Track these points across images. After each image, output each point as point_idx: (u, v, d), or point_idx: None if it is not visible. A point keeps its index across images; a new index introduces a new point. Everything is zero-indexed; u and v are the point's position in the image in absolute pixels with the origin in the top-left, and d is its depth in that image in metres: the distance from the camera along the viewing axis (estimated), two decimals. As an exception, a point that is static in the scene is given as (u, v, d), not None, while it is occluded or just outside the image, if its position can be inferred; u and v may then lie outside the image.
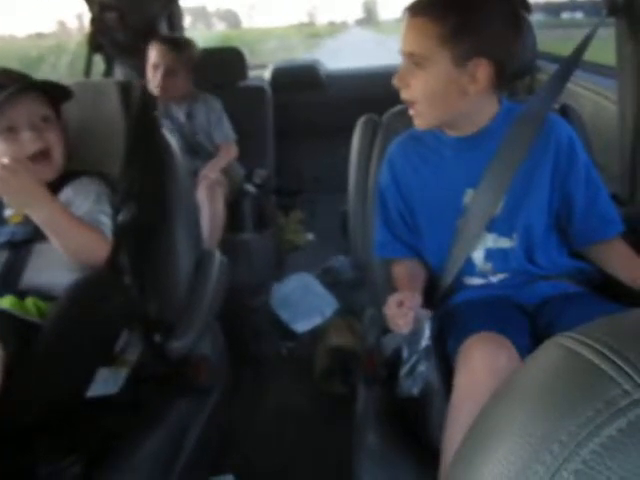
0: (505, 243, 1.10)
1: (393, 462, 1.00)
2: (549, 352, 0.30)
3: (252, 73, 2.72)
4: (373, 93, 2.55)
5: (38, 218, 1.05)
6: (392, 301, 0.97)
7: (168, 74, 2.05)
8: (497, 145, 1.07)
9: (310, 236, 2.60)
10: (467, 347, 0.91)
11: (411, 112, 1.08)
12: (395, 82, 1.04)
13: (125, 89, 1.35)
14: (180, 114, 2.13)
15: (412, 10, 1.00)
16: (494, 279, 1.12)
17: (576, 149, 1.08)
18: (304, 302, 1.99)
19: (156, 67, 2.06)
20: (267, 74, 2.87)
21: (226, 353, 1.52)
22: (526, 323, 1.03)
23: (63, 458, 0.95)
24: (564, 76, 1.15)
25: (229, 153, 2.13)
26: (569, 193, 1.08)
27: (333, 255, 2.24)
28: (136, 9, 2.36)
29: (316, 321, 1.93)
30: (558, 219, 1.11)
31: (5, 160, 1.02)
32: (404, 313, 0.95)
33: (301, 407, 1.66)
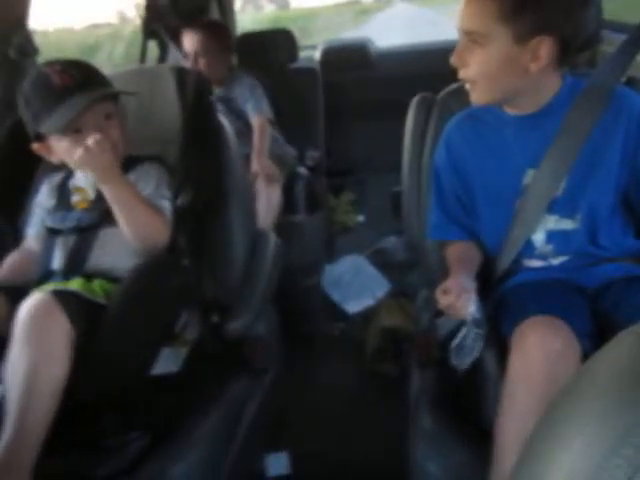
0: (567, 225, 1.06)
1: (448, 444, 1.00)
2: (627, 342, 0.29)
3: (302, 54, 2.71)
4: (424, 70, 2.50)
5: (112, 196, 1.09)
6: (438, 292, 0.96)
7: (202, 59, 2.06)
8: (560, 123, 1.03)
9: (361, 217, 2.59)
10: (522, 330, 0.89)
11: (467, 87, 1.05)
12: (453, 61, 1.01)
13: (180, 74, 1.37)
14: (218, 100, 2.12)
15: None
16: (555, 261, 1.08)
17: None
18: (356, 283, 2.00)
19: (188, 54, 2.07)
20: (317, 54, 2.85)
21: (280, 333, 1.54)
22: (586, 307, 1.00)
23: (128, 433, 0.99)
24: (633, 47, 1.08)
25: (263, 131, 2.04)
26: (638, 171, 1.03)
27: (384, 236, 2.23)
28: (188, -6, 2.39)
29: (368, 302, 1.93)
30: (626, 197, 1.07)
31: (98, 136, 1.06)
32: (453, 302, 0.94)
33: (353, 387, 1.67)
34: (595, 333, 0.94)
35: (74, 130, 1.13)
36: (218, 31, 2.14)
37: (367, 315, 1.87)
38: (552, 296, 1.00)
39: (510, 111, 1.08)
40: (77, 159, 1.06)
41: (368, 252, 2.16)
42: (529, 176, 1.06)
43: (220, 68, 2.11)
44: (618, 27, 1.99)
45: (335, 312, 1.96)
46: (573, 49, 0.99)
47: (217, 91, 2.11)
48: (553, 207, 1.05)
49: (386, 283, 1.99)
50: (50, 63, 1.15)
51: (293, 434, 1.51)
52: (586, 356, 0.88)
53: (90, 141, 1.05)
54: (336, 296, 1.97)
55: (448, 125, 1.19)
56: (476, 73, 1.00)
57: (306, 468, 1.42)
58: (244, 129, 2.08)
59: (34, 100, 1.13)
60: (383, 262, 2.08)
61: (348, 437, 1.49)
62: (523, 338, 0.88)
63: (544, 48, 0.94)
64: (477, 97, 1.04)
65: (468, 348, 0.97)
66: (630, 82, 1.20)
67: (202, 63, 2.06)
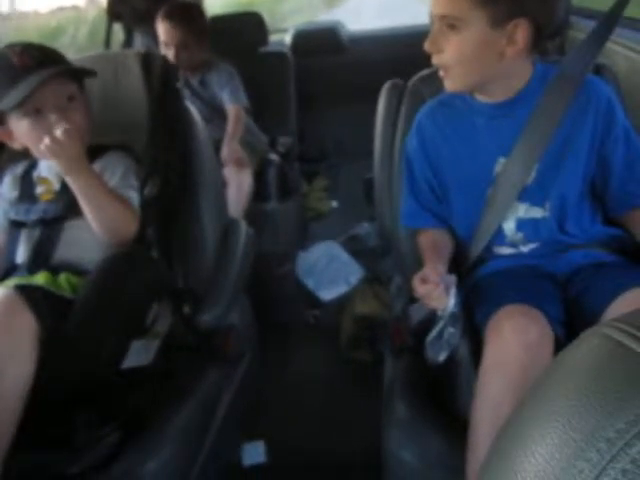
0: (537, 213, 1.07)
1: (422, 431, 1.01)
2: (594, 343, 0.29)
3: (272, 38, 2.67)
4: (397, 55, 2.49)
5: (79, 187, 1.06)
6: (416, 280, 0.95)
7: (180, 49, 2.01)
8: (530, 111, 1.03)
9: (334, 203, 2.58)
10: (497, 319, 0.90)
11: (441, 74, 1.04)
12: (427, 46, 1.00)
13: (146, 60, 1.33)
14: (195, 83, 2.10)
15: None
16: (525, 249, 1.09)
17: (615, 110, 1.03)
18: (330, 270, 1.99)
19: (167, 44, 2.02)
20: (288, 38, 2.81)
21: (253, 322, 1.54)
22: (557, 293, 1.02)
23: (99, 429, 0.98)
24: (603, 34, 1.09)
25: (238, 119, 2.03)
26: (606, 156, 1.04)
27: (357, 222, 2.23)
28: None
29: (342, 289, 1.93)
30: (593, 185, 1.08)
31: (66, 125, 1.03)
32: (430, 291, 0.93)
33: (328, 375, 1.68)
34: (565, 319, 0.95)
35: (34, 110, 1.10)
36: (194, 19, 2.07)
37: (341, 302, 1.87)
38: (525, 284, 1.00)
39: (481, 99, 1.08)
40: (43, 148, 1.02)
41: (342, 239, 2.16)
42: (500, 164, 1.06)
43: (197, 56, 2.07)
44: (587, 13, 2.01)
45: (309, 299, 1.96)
46: (545, 35, 0.99)
47: (194, 77, 2.09)
48: (523, 195, 1.06)
49: (360, 269, 1.99)
50: (10, 45, 1.12)
51: (269, 423, 1.52)
52: (558, 342, 0.89)
53: (58, 131, 1.02)
54: (310, 283, 1.96)
55: (420, 112, 1.18)
56: (451, 59, 0.99)
57: (282, 456, 1.42)
58: (215, 115, 2.05)
59: None
60: (357, 249, 2.08)
61: (324, 425, 1.50)
62: (498, 327, 0.89)
63: (520, 32, 0.94)
64: (451, 84, 1.03)
65: (444, 342, 0.97)
66: (599, 70, 1.21)
67: (180, 53, 2.02)
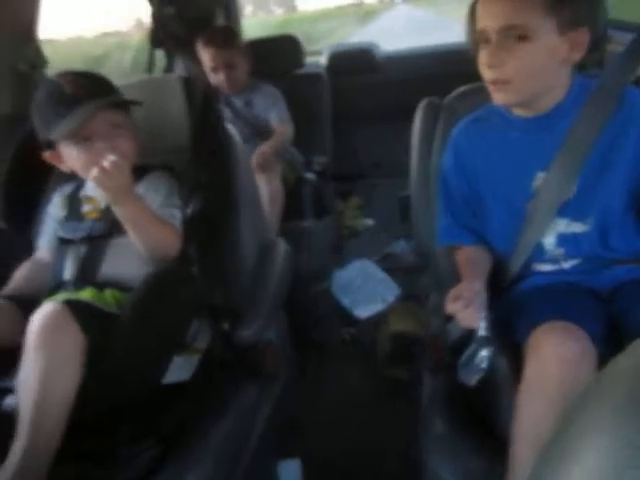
0: (578, 228, 1.05)
1: (461, 450, 0.99)
2: (637, 354, 0.29)
3: (308, 59, 2.72)
4: (430, 74, 2.49)
5: (123, 214, 1.10)
6: (450, 296, 0.95)
7: (229, 71, 2.09)
8: (569, 125, 1.02)
9: (369, 221, 2.59)
10: (537, 336, 0.89)
11: (492, 88, 1.02)
12: (488, 61, 0.98)
13: (187, 84, 1.38)
14: (240, 103, 2.16)
15: None
16: (566, 265, 1.08)
17: None
18: (365, 288, 1.99)
19: (215, 69, 2.10)
20: (323, 59, 2.86)
21: (290, 339, 1.54)
22: (600, 310, 0.99)
23: (141, 442, 1.00)
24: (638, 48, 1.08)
25: (282, 133, 2.11)
26: None
27: (393, 240, 2.23)
28: (192, 2, 2.40)
29: (378, 307, 1.93)
30: (637, 199, 1.05)
31: (113, 157, 1.06)
32: (463, 309, 0.93)
33: (364, 392, 1.67)
34: (609, 336, 0.93)
35: (83, 138, 1.15)
36: (236, 40, 2.16)
37: (377, 320, 1.86)
38: (565, 300, 0.99)
39: (518, 113, 1.07)
40: (92, 178, 1.06)
41: (377, 257, 2.16)
42: (539, 179, 1.05)
43: (240, 77, 2.14)
44: (624, 26, 1.98)
45: (345, 317, 1.95)
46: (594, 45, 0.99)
47: (238, 98, 2.16)
48: (564, 210, 1.05)
49: (396, 287, 1.98)
50: (62, 73, 1.18)
51: (305, 440, 1.51)
52: (602, 359, 0.87)
53: (106, 162, 1.05)
54: (346, 301, 1.96)
55: (455, 129, 1.18)
56: (515, 71, 0.97)
57: (319, 475, 1.41)
58: (256, 135, 2.11)
59: (46, 108, 1.15)
60: (393, 266, 2.08)
61: (361, 443, 1.49)
62: (538, 344, 0.88)
63: (583, 38, 0.95)
64: (506, 98, 1.02)
65: (475, 366, 0.96)
66: (638, 82, 1.19)
67: (229, 75, 2.10)
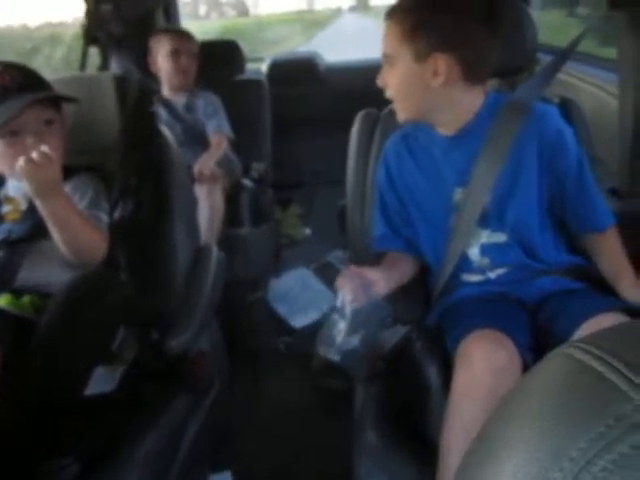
0: (500, 238, 1.10)
1: (393, 460, 0.99)
2: (557, 363, 0.29)
3: (249, 66, 2.70)
4: (372, 86, 2.52)
5: (49, 209, 1.04)
6: (342, 274, 1.00)
7: (190, 59, 2.12)
8: (482, 141, 1.06)
9: (308, 230, 2.59)
10: (466, 345, 0.91)
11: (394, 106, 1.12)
12: (378, 82, 1.09)
13: (121, 83, 1.33)
14: (179, 106, 2.12)
15: (386, 14, 1.06)
16: (492, 275, 1.11)
17: (565, 141, 1.07)
18: (302, 297, 1.98)
19: (176, 52, 2.09)
20: (264, 67, 2.85)
21: (224, 348, 1.51)
22: (526, 319, 1.03)
23: (61, 457, 0.94)
24: (556, 67, 1.14)
25: (220, 146, 2.09)
26: (557, 185, 1.08)
27: (331, 250, 2.23)
28: (132, 1, 2.33)
29: (314, 316, 1.92)
30: (552, 211, 1.11)
31: (45, 148, 1.01)
32: (347, 283, 0.97)
33: (300, 403, 1.65)
34: (535, 346, 0.96)
35: (11, 132, 1.09)
36: (192, 37, 2.20)
37: (313, 330, 1.86)
38: (494, 310, 1.02)
39: (438, 130, 1.12)
40: (19, 169, 1.00)
41: (315, 266, 2.16)
42: (458, 194, 1.10)
43: (193, 73, 2.15)
44: (552, 50, 2.09)
45: (281, 326, 1.94)
46: (478, 69, 1.04)
47: (178, 99, 2.13)
48: (484, 222, 1.09)
49: (332, 297, 1.98)
50: None
51: (237, 453, 1.48)
52: (527, 368, 0.89)
53: (34, 153, 1.00)
54: (282, 310, 1.95)
55: (386, 143, 1.21)
56: (392, 93, 1.08)
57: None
58: (192, 141, 2.07)
59: None
60: (329, 276, 2.08)
61: (297, 455, 1.47)
62: (467, 352, 0.90)
63: (441, 65, 1.01)
64: (399, 116, 1.12)
65: (330, 335, 0.98)
66: (564, 103, 1.25)
67: (184, 62, 2.10)
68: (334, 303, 1.91)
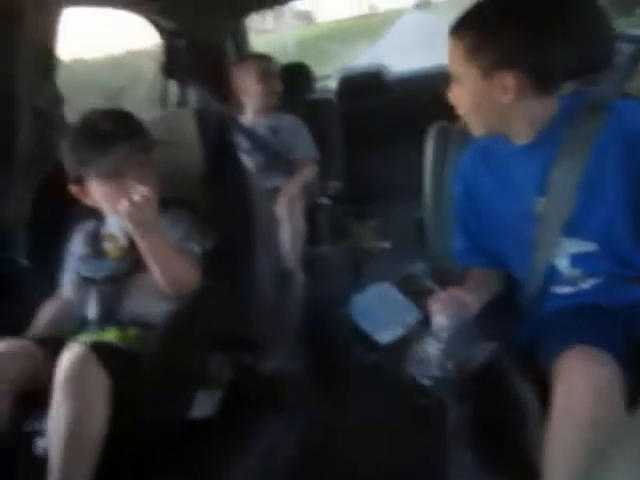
0: (589, 247, 1.05)
1: (489, 479, 0.97)
2: None
3: (318, 85, 2.75)
4: (440, 92, 2.48)
5: (147, 248, 1.11)
6: (433, 297, 1.02)
7: (278, 81, 2.22)
8: (559, 148, 1.03)
9: (386, 244, 2.57)
10: (563, 362, 0.87)
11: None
12: (449, 99, 1.08)
13: (200, 116, 1.40)
14: (264, 129, 2.20)
15: (449, 31, 1.05)
16: (585, 285, 1.07)
17: None
18: (385, 312, 1.97)
19: (266, 75, 2.18)
20: (333, 84, 2.88)
21: (312, 368, 1.54)
22: (620, 332, 0.98)
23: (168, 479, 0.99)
24: (633, 60, 1.08)
25: (309, 171, 2.17)
26: None
27: (411, 262, 2.21)
28: (203, 33, 2.45)
29: (399, 331, 1.90)
30: None
31: (143, 189, 1.09)
32: (440, 306, 0.98)
33: (391, 420, 1.64)
34: (629, 359, 0.91)
35: (116, 175, 1.17)
36: (274, 60, 2.30)
37: (400, 344, 1.84)
38: (589, 324, 0.98)
39: (513, 141, 1.09)
40: (122, 211, 1.08)
41: (396, 279, 2.15)
42: (540, 204, 1.06)
43: (279, 94, 2.24)
44: (634, 39, 1.97)
45: (367, 343, 1.93)
46: (549, 78, 1.01)
47: (263, 122, 2.21)
48: (571, 231, 1.05)
49: (416, 310, 1.96)
50: (96, 111, 1.22)
51: (329, 470, 1.49)
52: (624, 384, 0.85)
53: (136, 195, 1.07)
54: (366, 326, 1.94)
55: (462, 157, 1.20)
56: (463, 110, 1.07)
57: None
58: (274, 164, 2.13)
59: (80, 144, 1.18)
60: (411, 289, 2.06)
61: (386, 471, 1.47)
62: (566, 371, 0.86)
63: (509, 81, 0.98)
64: (474, 132, 1.10)
65: (424, 359, 0.97)
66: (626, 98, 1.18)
67: (274, 84, 2.21)
68: (419, 317, 1.91)
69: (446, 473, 1.05)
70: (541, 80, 1.00)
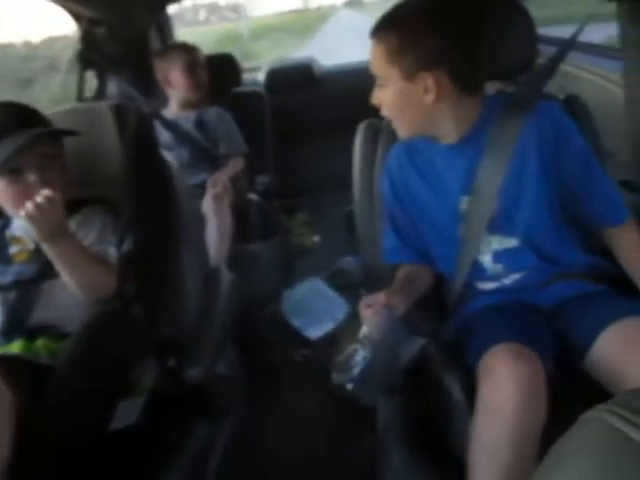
0: (511, 243, 1.08)
1: (417, 478, 0.98)
2: (594, 430, 0.28)
3: (246, 76, 2.69)
4: (370, 89, 2.50)
5: (56, 252, 1.04)
6: (362, 303, 1.00)
7: (204, 72, 2.13)
8: (484, 147, 1.04)
9: (317, 238, 2.57)
10: (489, 359, 0.89)
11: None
12: (373, 101, 1.07)
13: (119, 111, 1.33)
14: (189, 123, 2.12)
15: (370, 33, 1.04)
16: (507, 281, 1.09)
17: (567, 134, 1.05)
18: (315, 307, 1.97)
19: (192, 67, 2.10)
20: (261, 76, 2.83)
21: (241, 367, 1.50)
22: (545, 327, 1.01)
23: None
24: (557, 60, 1.11)
25: (236, 165, 2.12)
26: (564, 180, 1.05)
27: (341, 256, 2.21)
28: (125, 22, 2.33)
29: (329, 326, 1.90)
30: (565, 209, 1.08)
31: (47, 192, 1.01)
32: (368, 316, 0.98)
33: (321, 415, 1.64)
34: (554, 354, 0.94)
35: (13, 170, 1.09)
36: (200, 50, 2.20)
37: (329, 340, 1.84)
38: (514, 321, 1.00)
39: (440, 141, 1.10)
40: (25, 214, 1.01)
41: (326, 274, 2.14)
42: (464, 202, 1.08)
43: (206, 86, 2.16)
44: (555, 41, 2.05)
45: (297, 339, 1.92)
46: (471, 79, 1.02)
47: (191, 115, 2.13)
48: (493, 228, 1.07)
49: (345, 305, 1.97)
50: None
51: (259, 467, 1.47)
52: (548, 378, 0.87)
53: (39, 197, 1.00)
54: (297, 322, 1.93)
55: (388, 156, 1.20)
56: (387, 112, 1.07)
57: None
58: (199, 159, 2.07)
59: None
60: (341, 283, 2.06)
61: (319, 467, 1.46)
62: (491, 368, 0.88)
63: (430, 83, 0.99)
64: (399, 133, 1.10)
65: (350, 367, 0.97)
66: (569, 101, 1.23)
67: (200, 76, 2.12)
68: (348, 311, 1.92)
69: (377, 469, 1.05)
70: (463, 81, 1.01)
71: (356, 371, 0.95)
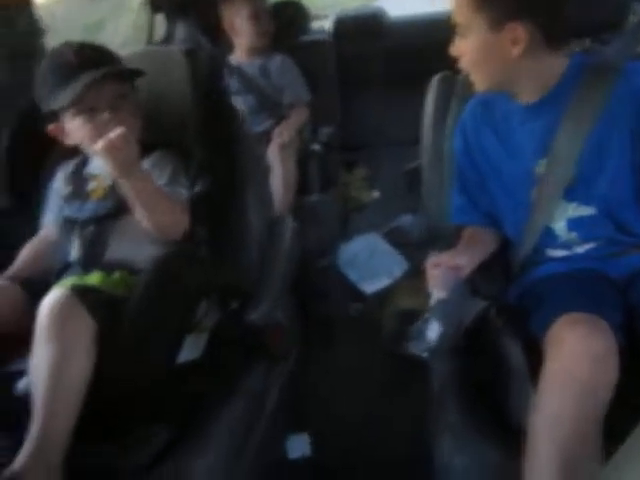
0: (587, 211, 1.03)
1: (475, 441, 0.97)
2: None
3: (314, 24, 2.64)
4: (439, 40, 2.39)
5: (129, 188, 1.07)
6: (429, 262, 1.00)
7: (269, 20, 2.13)
8: (564, 108, 1.00)
9: (376, 193, 2.54)
10: (558, 329, 0.85)
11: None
12: (452, 52, 1.04)
13: (191, 56, 1.33)
14: (254, 70, 2.11)
15: None
16: (580, 249, 1.06)
17: None
18: (372, 262, 1.97)
19: (256, 14, 2.09)
20: (328, 24, 2.76)
21: (299, 317, 1.53)
22: (617, 298, 0.97)
23: (151, 426, 0.99)
24: None
25: (301, 115, 2.10)
26: None
27: (399, 213, 2.19)
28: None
29: (385, 282, 1.91)
30: None
31: (121, 129, 1.04)
32: (437, 275, 0.97)
33: (372, 369, 1.66)
34: (626, 327, 0.91)
35: (88, 108, 1.12)
36: None
37: (384, 295, 1.85)
38: (585, 290, 0.96)
39: (518, 99, 1.06)
40: (98, 150, 1.03)
41: (384, 230, 2.13)
42: (541, 165, 1.04)
43: (271, 34, 2.15)
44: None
45: (352, 292, 1.94)
46: (560, 33, 0.98)
47: (253, 63, 2.12)
48: (570, 194, 1.03)
49: (404, 262, 1.96)
50: (65, 43, 1.16)
51: (314, 415, 1.52)
52: (620, 351, 0.84)
53: (112, 133, 1.02)
54: (352, 276, 1.95)
55: (463, 112, 1.16)
56: (466, 64, 1.03)
57: (327, 450, 1.42)
58: (266, 106, 2.07)
59: (49, 78, 1.13)
60: (400, 241, 2.04)
61: (369, 419, 1.50)
62: (560, 338, 0.84)
63: (520, 33, 0.94)
64: (477, 86, 1.06)
65: (427, 337, 0.97)
66: None
67: (264, 23, 2.11)
68: (405, 268, 1.91)
69: (429, 426, 1.07)
70: (552, 35, 0.96)
71: (432, 340, 0.95)
